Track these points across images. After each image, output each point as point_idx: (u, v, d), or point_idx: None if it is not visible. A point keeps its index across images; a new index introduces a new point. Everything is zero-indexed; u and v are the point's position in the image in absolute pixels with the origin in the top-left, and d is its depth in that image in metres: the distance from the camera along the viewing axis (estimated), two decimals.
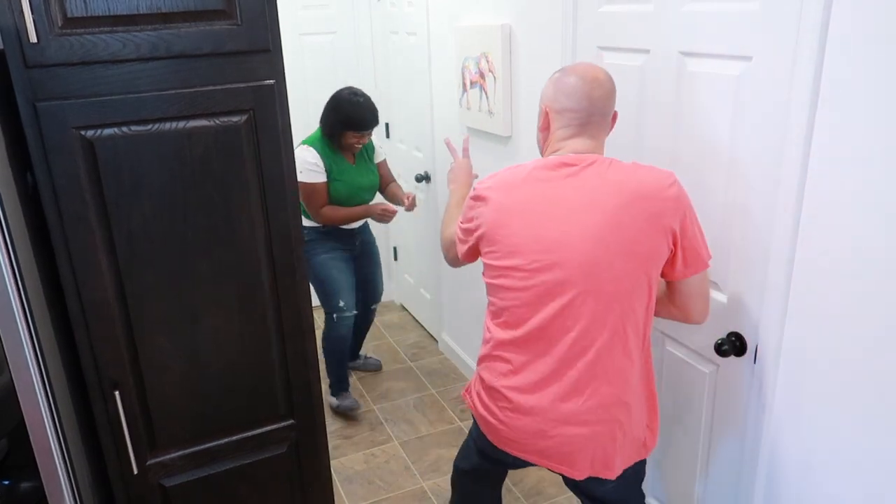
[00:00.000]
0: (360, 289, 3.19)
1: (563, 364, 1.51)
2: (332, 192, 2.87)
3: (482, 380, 1.65)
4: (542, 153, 1.67)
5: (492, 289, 1.61)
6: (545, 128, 1.63)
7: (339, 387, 3.12)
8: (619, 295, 1.47)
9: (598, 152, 1.58)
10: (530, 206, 1.52)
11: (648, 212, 1.46)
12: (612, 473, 1.56)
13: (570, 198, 1.49)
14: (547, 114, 1.61)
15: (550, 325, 1.51)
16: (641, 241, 1.46)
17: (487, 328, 1.65)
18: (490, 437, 1.66)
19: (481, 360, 1.66)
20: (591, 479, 1.60)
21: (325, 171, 2.83)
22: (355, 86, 2.94)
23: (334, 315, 2.99)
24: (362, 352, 3.56)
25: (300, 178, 2.58)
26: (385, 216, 2.96)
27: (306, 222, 2.90)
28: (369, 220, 3.14)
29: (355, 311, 3.07)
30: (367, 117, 2.79)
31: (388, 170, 3.16)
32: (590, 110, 1.55)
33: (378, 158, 3.09)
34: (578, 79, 1.56)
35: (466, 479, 1.96)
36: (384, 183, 3.13)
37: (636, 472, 1.66)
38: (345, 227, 2.99)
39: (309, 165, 2.78)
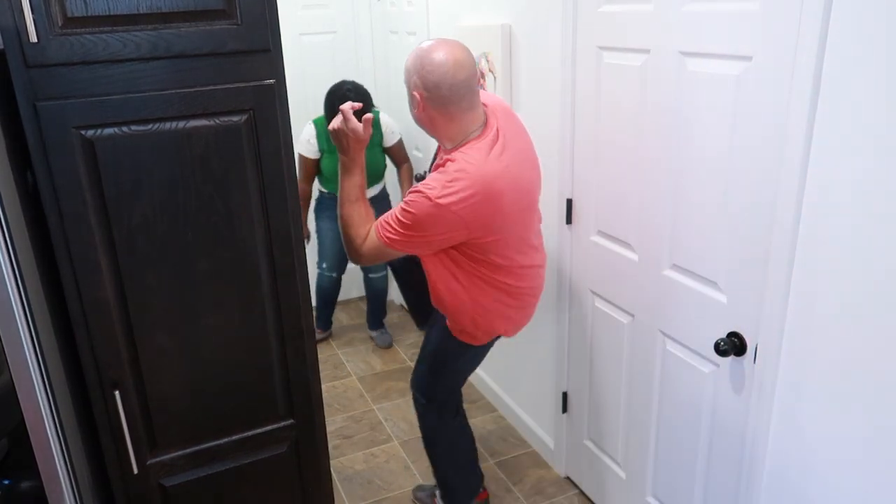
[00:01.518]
0: None
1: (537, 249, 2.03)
2: (323, 165, 3.30)
3: (497, 312, 2.00)
4: (440, 135, 1.86)
5: (488, 260, 1.89)
6: (424, 112, 1.81)
7: (317, 324, 3.76)
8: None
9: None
10: (522, 193, 1.86)
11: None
12: None
13: (528, 157, 1.90)
14: (425, 103, 1.78)
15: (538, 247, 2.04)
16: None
17: (487, 285, 1.94)
18: (518, 326, 2.10)
19: (485, 312, 1.99)
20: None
21: (319, 149, 3.26)
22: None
23: (318, 270, 3.62)
24: (378, 329, 3.86)
25: (296, 148, 3.21)
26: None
27: (319, 187, 3.47)
28: (388, 192, 3.57)
29: (334, 274, 3.61)
30: (357, 92, 3.07)
31: (402, 151, 3.45)
32: (473, 89, 1.79)
33: (388, 142, 3.38)
34: (451, 68, 1.72)
35: (440, 411, 2.29)
36: (398, 164, 3.47)
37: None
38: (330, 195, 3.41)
39: (303, 138, 3.26)
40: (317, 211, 3.56)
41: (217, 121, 1.38)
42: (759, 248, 1.57)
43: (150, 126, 1.33)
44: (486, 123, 1.83)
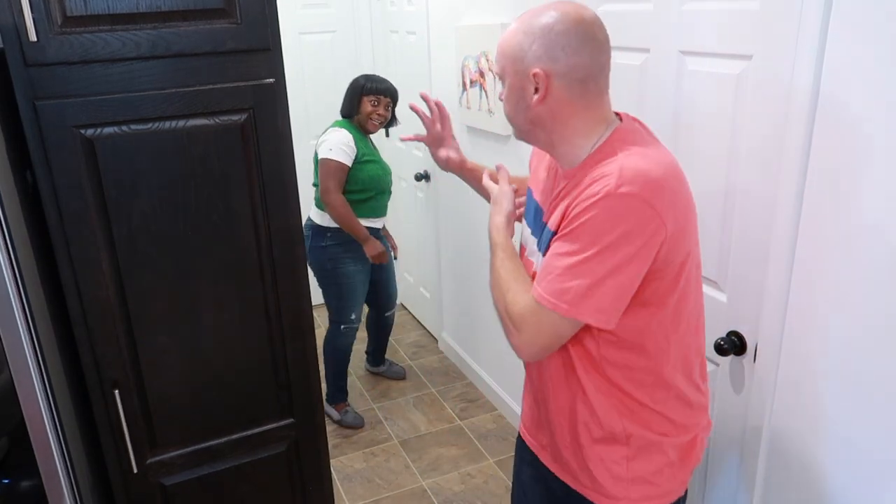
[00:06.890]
0: (375, 295, 3.17)
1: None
2: (367, 174, 2.82)
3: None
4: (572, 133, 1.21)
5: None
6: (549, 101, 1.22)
7: (338, 397, 3.11)
8: None
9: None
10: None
11: None
12: None
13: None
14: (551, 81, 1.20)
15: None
16: None
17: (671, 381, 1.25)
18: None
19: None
20: None
21: (355, 157, 2.78)
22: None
23: (342, 326, 2.98)
24: (388, 357, 3.52)
25: (331, 155, 2.73)
26: (378, 258, 2.91)
27: (332, 223, 2.83)
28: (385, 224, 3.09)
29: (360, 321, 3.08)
30: (384, 83, 2.83)
31: None
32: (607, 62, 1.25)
33: None
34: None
35: None
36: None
37: None
38: (371, 226, 2.92)
39: (342, 144, 2.74)
40: (337, 250, 2.89)
41: (217, 120, 1.37)
42: (759, 248, 1.57)
43: (149, 125, 1.33)
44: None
